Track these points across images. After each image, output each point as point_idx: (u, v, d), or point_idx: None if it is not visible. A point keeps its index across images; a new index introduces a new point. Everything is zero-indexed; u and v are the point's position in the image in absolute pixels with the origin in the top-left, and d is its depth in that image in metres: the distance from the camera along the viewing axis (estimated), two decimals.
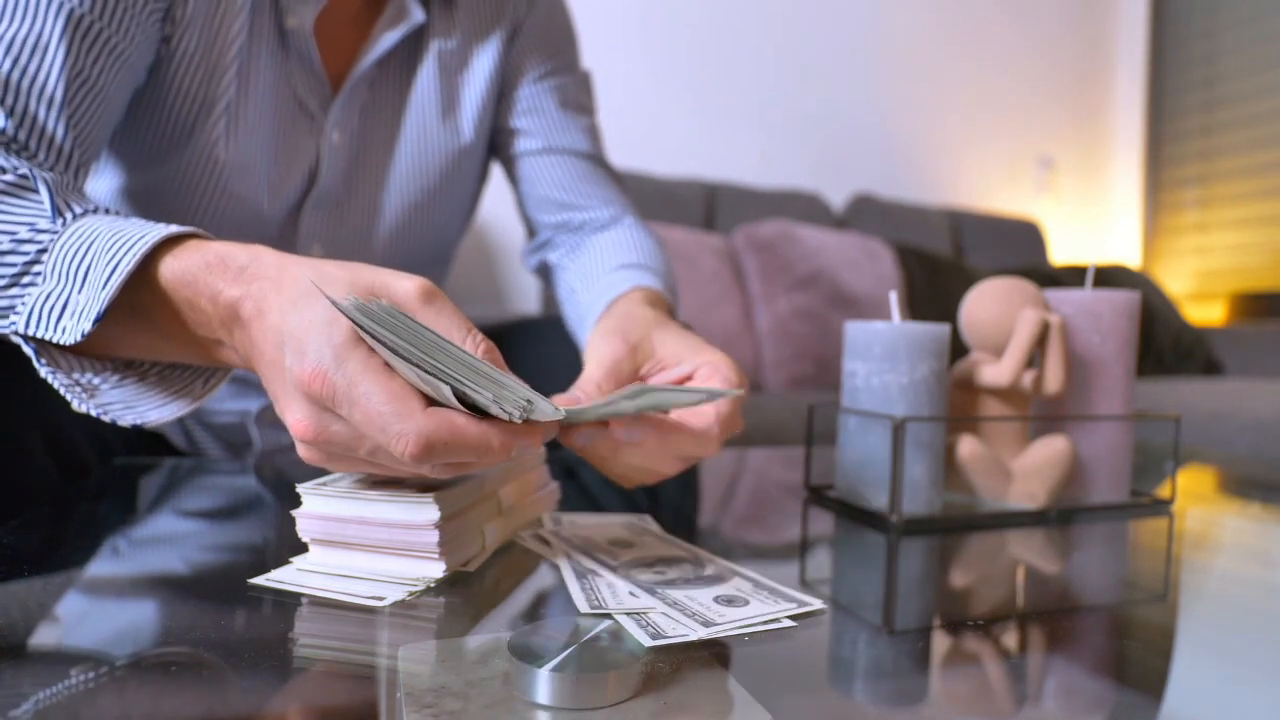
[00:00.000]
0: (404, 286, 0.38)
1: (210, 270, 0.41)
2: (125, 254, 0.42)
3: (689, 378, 0.49)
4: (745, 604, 0.37)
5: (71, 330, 0.43)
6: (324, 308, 0.36)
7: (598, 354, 0.50)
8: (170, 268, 0.42)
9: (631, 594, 0.38)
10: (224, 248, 0.43)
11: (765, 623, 0.35)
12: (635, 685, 0.29)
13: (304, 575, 0.40)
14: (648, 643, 0.32)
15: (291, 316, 0.36)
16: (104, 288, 0.42)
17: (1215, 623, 0.41)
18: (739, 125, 2.47)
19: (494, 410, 0.34)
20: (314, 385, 0.34)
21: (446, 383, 0.33)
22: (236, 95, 0.66)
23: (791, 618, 0.36)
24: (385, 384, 0.34)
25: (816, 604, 0.37)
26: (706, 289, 1.93)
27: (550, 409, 0.36)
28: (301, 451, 0.38)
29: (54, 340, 0.44)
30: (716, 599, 0.37)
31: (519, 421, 0.35)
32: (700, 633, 0.33)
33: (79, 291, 0.43)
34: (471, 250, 2.09)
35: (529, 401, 0.35)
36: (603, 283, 0.73)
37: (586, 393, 0.47)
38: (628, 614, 0.35)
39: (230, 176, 0.68)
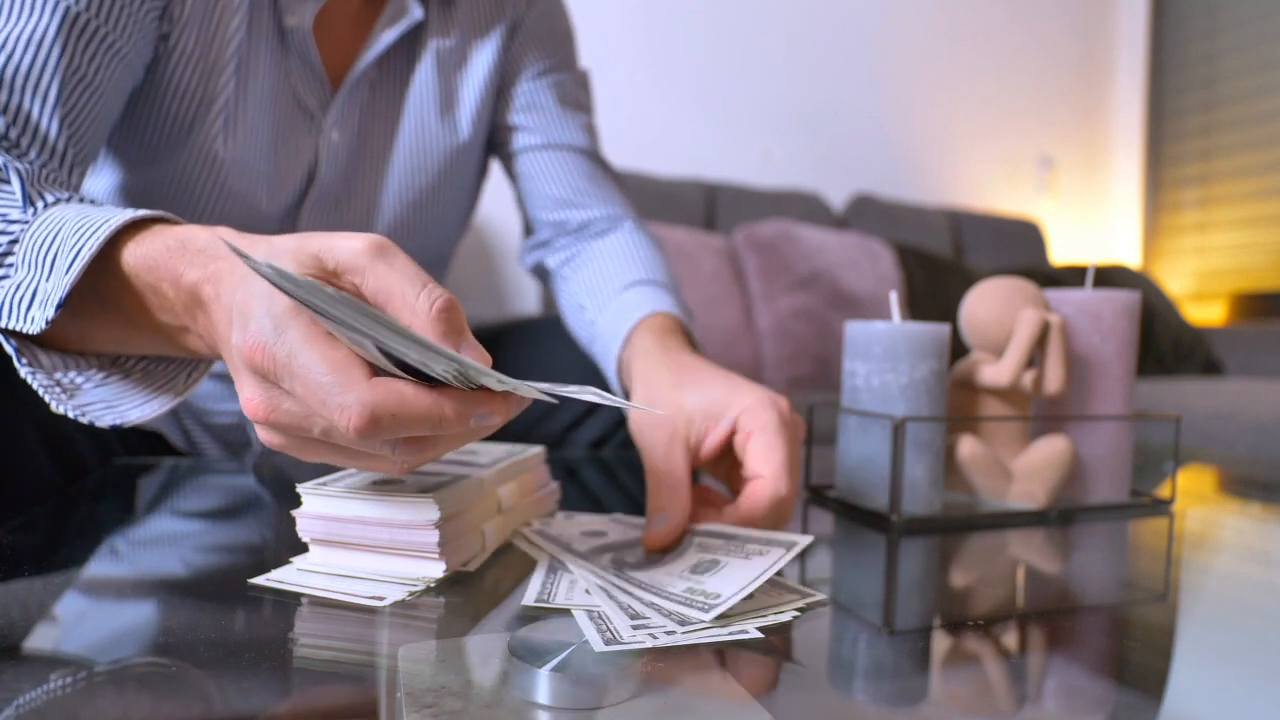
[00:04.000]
0: (351, 245, 0.35)
1: (171, 254, 0.40)
2: (88, 239, 0.41)
3: (733, 431, 0.48)
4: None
5: (38, 319, 0.42)
6: (265, 279, 0.33)
7: (655, 458, 0.49)
8: (133, 253, 0.42)
9: (587, 592, 0.37)
10: (186, 231, 0.41)
11: (731, 633, 0.34)
12: (635, 685, 0.29)
13: (304, 575, 0.40)
14: (600, 647, 0.31)
15: (239, 292, 0.35)
16: (67, 273, 0.41)
17: (1215, 623, 0.41)
18: (739, 125, 2.47)
19: (431, 372, 0.31)
20: (255, 358, 0.32)
21: (369, 336, 0.30)
22: (235, 93, 0.66)
23: (762, 629, 0.35)
24: (326, 353, 0.31)
25: (788, 614, 0.36)
26: (706, 289, 1.93)
27: (497, 381, 0.32)
28: (261, 434, 0.36)
29: (24, 330, 0.43)
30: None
31: (453, 384, 0.32)
32: (662, 640, 0.32)
33: (46, 280, 0.43)
34: (471, 250, 2.09)
35: (459, 368, 0.31)
36: (614, 306, 0.72)
37: (673, 510, 0.46)
38: (585, 613, 0.35)
39: (229, 175, 0.68)
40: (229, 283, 0.37)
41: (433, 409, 0.32)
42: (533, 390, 0.33)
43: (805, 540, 0.37)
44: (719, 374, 0.52)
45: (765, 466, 0.46)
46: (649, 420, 0.51)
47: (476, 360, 0.32)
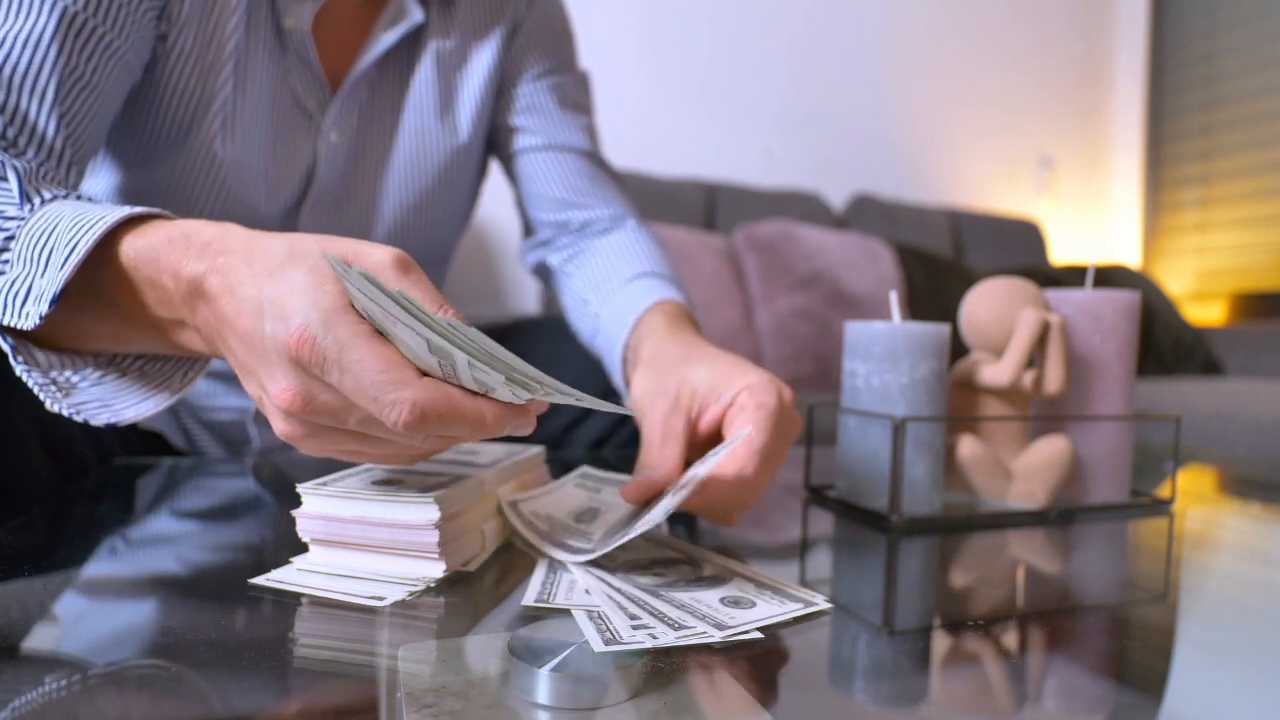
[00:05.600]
0: (377, 256, 0.36)
1: (173, 246, 0.40)
2: (85, 234, 0.41)
3: (730, 405, 0.48)
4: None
5: (32, 314, 0.42)
6: (305, 273, 0.34)
7: (653, 423, 0.49)
8: (133, 246, 0.42)
9: (587, 592, 0.37)
10: (189, 225, 0.41)
11: (731, 633, 0.33)
12: (635, 685, 0.29)
13: (304, 575, 0.40)
14: (600, 647, 0.30)
15: (269, 285, 0.35)
16: (62, 269, 0.41)
17: (1215, 623, 0.41)
18: (740, 125, 2.47)
19: (500, 393, 0.33)
20: (301, 351, 0.33)
21: (463, 350, 0.32)
22: (233, 94, 0.66)
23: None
24: (378, 350, 0.33)
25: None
26: (706, 289, 1.93)
27: (555, 389, 0.34)
28: (281, 426, 0.36)
29: (18, 326, 0.43)
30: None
31: (522, 402, 0.34)
32: (662, 640, 0.32)
33: (41, 276, 0.43)
34: (471, 250, 2.09)
35: (539, 384, 0.33)
36: (621, 297, 0.72)
37: (660, 468, 0.46)
38: (585, 613, 0.34)
39: (228, 176, 0.68)
40: (244, 275, 0.37)
41: (476, 414, 0.33)
42: (567, 398, 0.34)
43: (824, 604, 0.38)
44: (728, 355, 0.52)
45: (740, 448, 0.45)
46: (653, 389, 0.50)
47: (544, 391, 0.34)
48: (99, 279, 0.43)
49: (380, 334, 0.33)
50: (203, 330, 0.41)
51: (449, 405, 0.33)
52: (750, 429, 0.45)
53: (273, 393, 0.35)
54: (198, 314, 0.40)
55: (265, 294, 0.35)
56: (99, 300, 0.44)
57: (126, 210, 0.43)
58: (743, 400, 0.47)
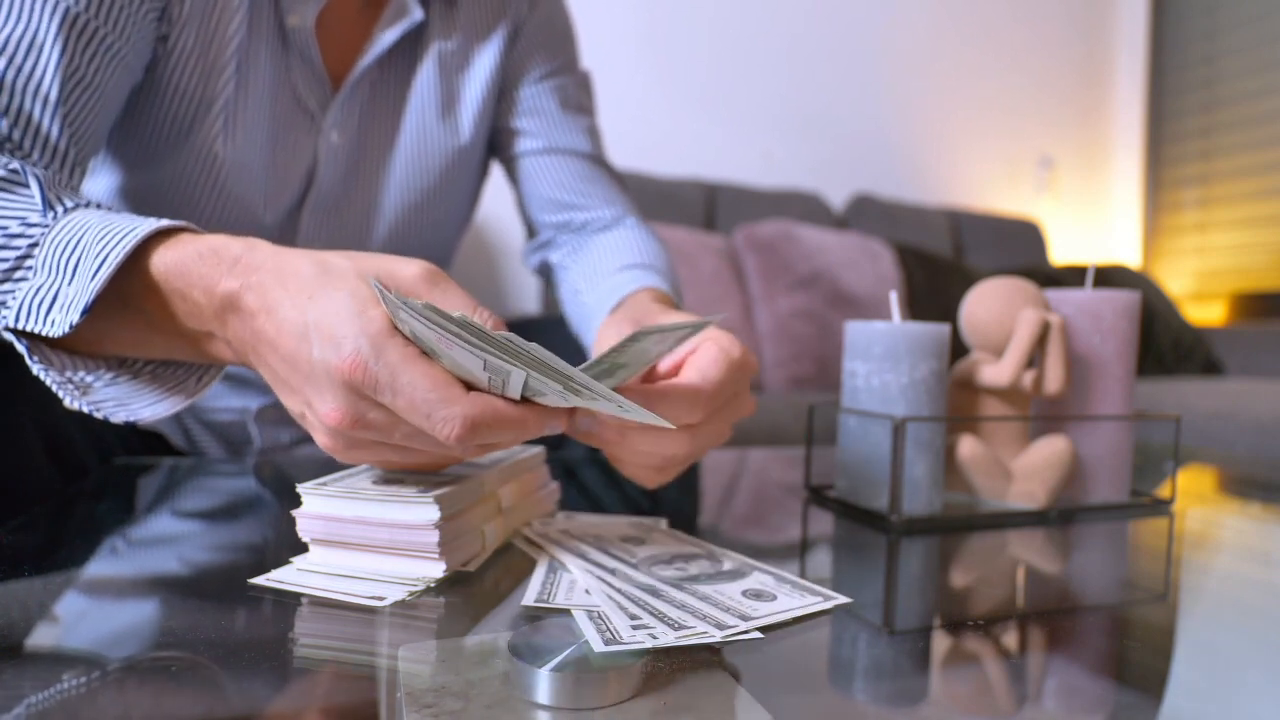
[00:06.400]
0: (409, 271, 0.39)
1: (203, 261, 0.41)
2: (115, 246, 0.42)
3: (693, 351, 0.46)
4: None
5: (60, 322, 0.43)
6: (346, 296, 0.36)
7: (607, 338, 0.50)
8: (163, 258, 0.43)
9: (587, 592, 0.38)
10: (217, 239, 0.43)
11: (731, 633, 0.33)
12: (635, 685, 0.29)
13: (304, 575, 0.40)
14: (600, 647, 0.30)
15: (311, 309, 0.37)
16: (93, 279, 0.42)
17: (1215, 623, 0.41)
18: (739, 125, 2.47)
19: (549, 399, 0.35)
20: (354, 375, 0.35)
21: (521, 366, 0.34)
22: (235, 94, 0.66)
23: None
24: (427, 371, 0.35)
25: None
26: (706, 289, 1.93)
27: (602, 395, 0.35)
28: (325, 440, 0.38)
29: (43, 333, 0.44)
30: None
31: (566, 405, 0.36)
32: (662, 640, 0.32)
33: (68, 284, 0.43)
34: (471, 250, 2.09)
35: (589, 390, 0.35)
36: (609, 283, 0.73)
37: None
38: (585, 613, 0.35)
39: (228, 177, 0.68)
40: (281, 297, 0.38)
41: (520, 420, 0.36)
42: (610, 404, 0.35)
43: (843, 600, 0.38)
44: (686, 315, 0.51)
45: (696, 376, 0.43)
46: (614, 320, 0.52)
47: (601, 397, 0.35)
48: (126, 289, 0.44)
49: (425, 354, 0.35)
50: (234, 343, 0.42)
51: (495, 416, 0.35)
52: (719, 316, 0.44)
53: (321, 412, 0.37)
54: (229, 327, 0.41)
55: (310, 319, 0.36)
56: (125, 309, 0.45)
57: (155, 223, 0.43)
58: (706, 345, 0.45)
